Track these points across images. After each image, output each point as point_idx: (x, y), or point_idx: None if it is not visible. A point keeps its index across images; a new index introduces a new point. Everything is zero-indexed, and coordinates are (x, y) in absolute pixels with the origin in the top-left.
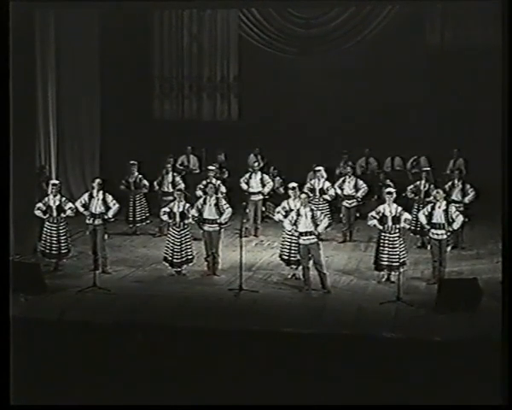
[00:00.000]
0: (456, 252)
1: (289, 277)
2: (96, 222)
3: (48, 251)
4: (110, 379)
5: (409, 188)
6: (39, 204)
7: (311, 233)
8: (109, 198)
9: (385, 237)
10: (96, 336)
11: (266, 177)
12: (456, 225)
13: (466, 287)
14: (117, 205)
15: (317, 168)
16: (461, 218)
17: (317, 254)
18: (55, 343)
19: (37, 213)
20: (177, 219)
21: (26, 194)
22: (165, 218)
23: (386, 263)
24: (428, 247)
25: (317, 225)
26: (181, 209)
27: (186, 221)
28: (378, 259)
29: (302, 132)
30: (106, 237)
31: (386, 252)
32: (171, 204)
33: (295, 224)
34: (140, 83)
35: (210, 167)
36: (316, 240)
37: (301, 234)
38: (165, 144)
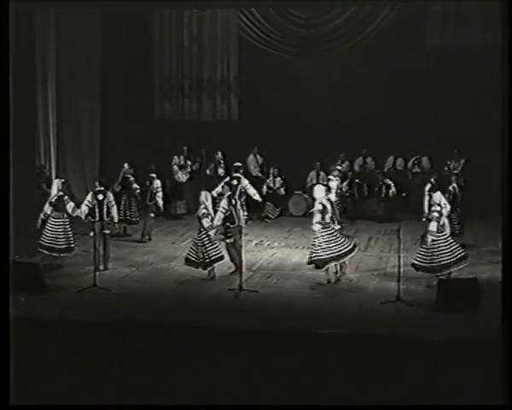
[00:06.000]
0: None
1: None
2: (97, 222)
3: (54, 246)
4: (110, 379)
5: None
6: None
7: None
8: (110, 198)
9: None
10: (95, 336)
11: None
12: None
13: (466, 287)
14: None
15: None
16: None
17: None
18: (55, 343)
19: (43, 217)
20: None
21: (26, 194)
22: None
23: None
24: None
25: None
26: (199, 214)
27: (205, 225)
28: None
29: (302, 132)
30: (107, 236)
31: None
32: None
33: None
34: (140, 83)
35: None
36: None
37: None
38: (165, 144)
